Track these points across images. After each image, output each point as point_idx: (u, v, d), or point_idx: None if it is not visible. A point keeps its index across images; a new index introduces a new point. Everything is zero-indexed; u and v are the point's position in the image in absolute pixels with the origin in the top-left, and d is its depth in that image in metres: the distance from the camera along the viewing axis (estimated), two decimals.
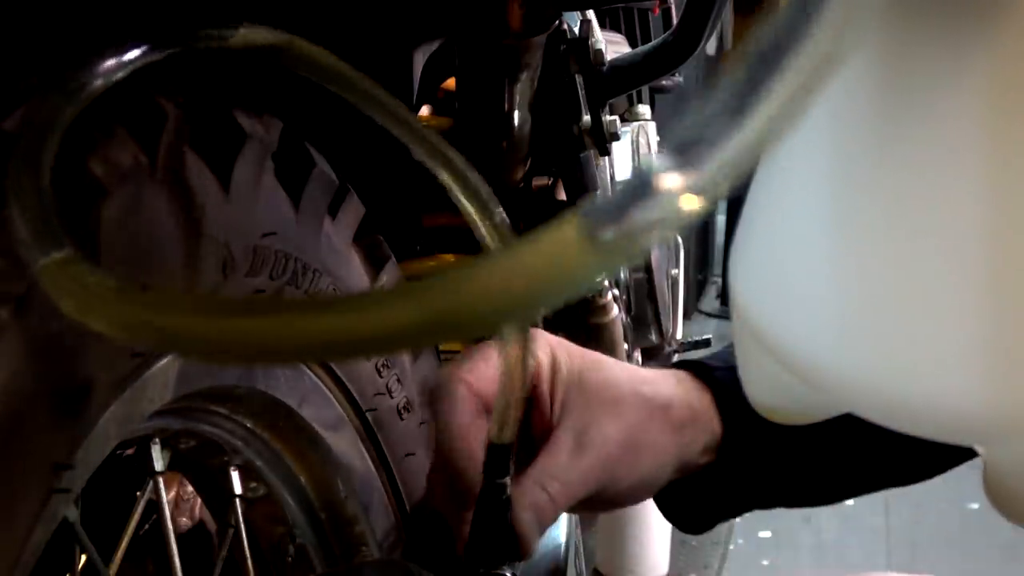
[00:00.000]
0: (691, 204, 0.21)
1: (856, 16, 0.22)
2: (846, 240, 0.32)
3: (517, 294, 0.22)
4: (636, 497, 0.63)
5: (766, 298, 0.36)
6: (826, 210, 0.33)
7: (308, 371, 0.68)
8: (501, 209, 0.55)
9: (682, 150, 0.21)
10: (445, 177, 0.55)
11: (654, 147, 1.48)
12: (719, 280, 4.81)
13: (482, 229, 0.54)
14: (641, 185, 0.21)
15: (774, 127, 0.21)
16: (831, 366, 0.33)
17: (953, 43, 0.29)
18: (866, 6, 0.23)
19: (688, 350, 1.71)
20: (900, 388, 0.32)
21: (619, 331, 1.19)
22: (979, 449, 0.39)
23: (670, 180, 0.21)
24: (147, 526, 0.76)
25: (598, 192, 1.08)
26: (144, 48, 0.46)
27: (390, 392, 0.75)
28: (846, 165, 0.32)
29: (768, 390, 0.44)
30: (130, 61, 0.45)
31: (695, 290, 4.54)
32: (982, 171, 0.29)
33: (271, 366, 0.63)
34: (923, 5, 0.29)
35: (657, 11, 1.78)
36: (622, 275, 1.27)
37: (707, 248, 4.85)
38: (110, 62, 0.45)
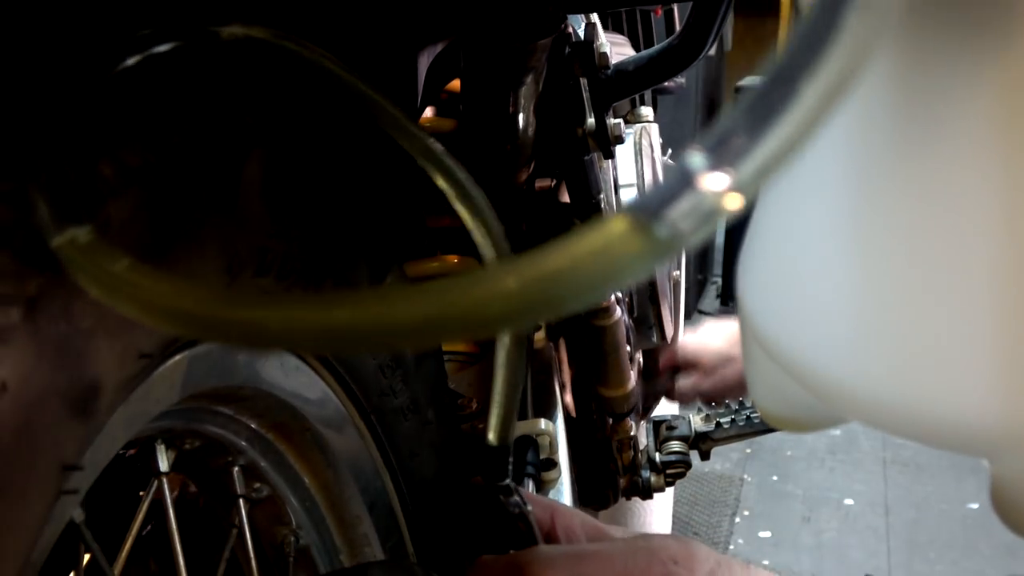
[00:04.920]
0: (733, 202, 0.22)
1: (883, 18, 0.23)
2: (861, 255, 0.32)
3: (573, 281, 0.24)
4: None
5: (777, 310, 0.36)
6: (841, 225, 0.33)
7: (312, 372, 0.68)
8: (495, 216, 0.55)
9: (721, 149, 0.22)
10: (438, 179, 0.55)
11: (657, 149, 1.48)
12: (719, 280, 4.82)
13: (477, 236, 0.54)
14: (686, 183, 0.22)
15: (808, 128, 0.22)
16: (843, 378, 0.33)
17: (967, 63, 0.29)
18: (891, 8, 0.23)
19: None
20: (912, 401, 0.32)
21: (622, 333, 1.20)
22: (987, 463, 0.39)
23: (713, 179, 0.22)
24: (150, 526, 0.76)
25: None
26: (148, 41, 0.46)
27: (394, 393, 0.75)
28: (862, 182, 0.32)
29: (776, 399, 0.45)
30: (136, 50, 0.46)
31: (695, 290, 4.54)
32: (997, 188, 0.29)
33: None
34: (937, 25, 0.30)
35: (660, 12, 1.77)
36: None
37: (707, 248, 4.86)
38: (111, 59, 0.45)
